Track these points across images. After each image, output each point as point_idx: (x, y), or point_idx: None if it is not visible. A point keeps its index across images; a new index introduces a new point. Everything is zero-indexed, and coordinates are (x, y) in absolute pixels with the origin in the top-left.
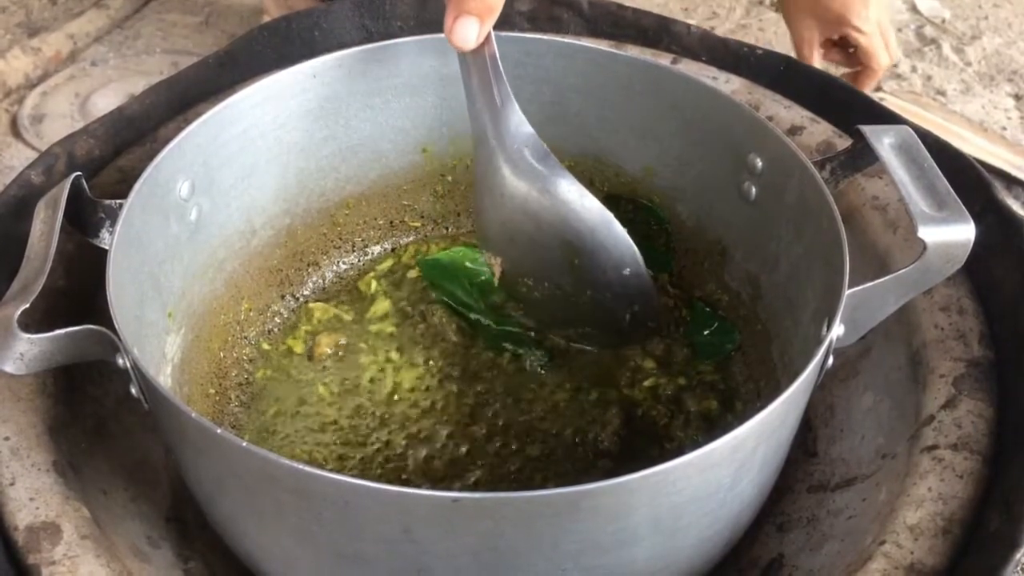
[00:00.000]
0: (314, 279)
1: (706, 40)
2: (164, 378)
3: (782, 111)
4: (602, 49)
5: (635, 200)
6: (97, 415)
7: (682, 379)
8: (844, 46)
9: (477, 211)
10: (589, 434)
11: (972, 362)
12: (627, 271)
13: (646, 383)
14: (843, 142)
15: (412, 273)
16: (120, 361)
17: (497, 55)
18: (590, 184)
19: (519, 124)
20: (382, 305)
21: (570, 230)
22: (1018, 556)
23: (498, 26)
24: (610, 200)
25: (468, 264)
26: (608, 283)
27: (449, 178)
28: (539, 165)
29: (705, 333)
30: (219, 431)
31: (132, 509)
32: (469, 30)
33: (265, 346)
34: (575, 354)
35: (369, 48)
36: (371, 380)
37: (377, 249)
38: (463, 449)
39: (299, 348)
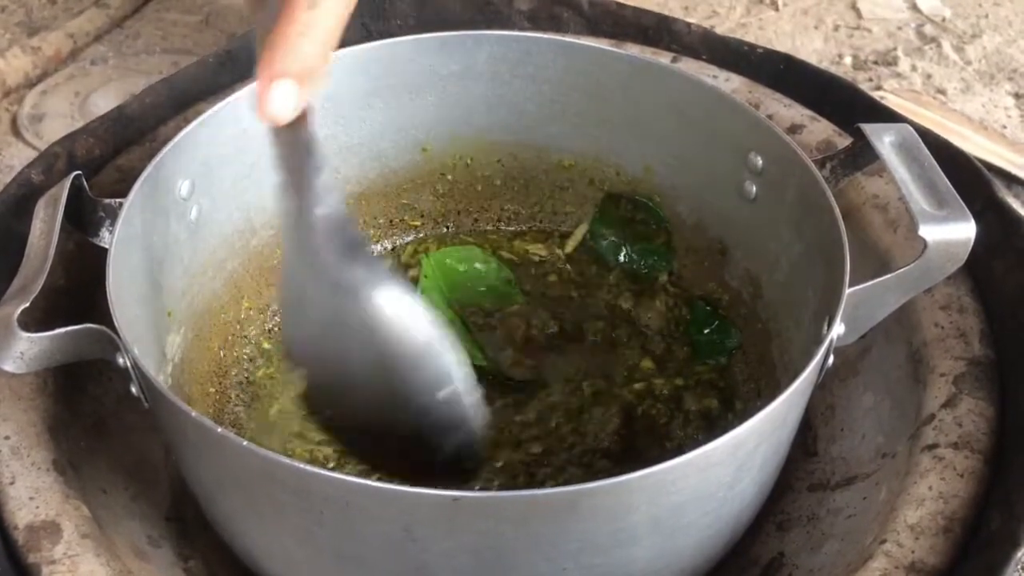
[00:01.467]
0: None
1: (706, 39)
2: (164, 377)
3: (782, 110)
4: (602, 48)
5: (635, 199)
6: (97, 414)
7: (681, 379)
8: None
9: (282, 306)
10: (589, 433)
11: (973, 361)
12: (442, 394)
13: (645, 383)
14: (843, 141)
15: (412, 272)
16: (120, 360)
17: (315, 133)
18: (590, 183)
19: (329, 214)
20: None
21: (380, 341)
22: (1019, 555)
23: (498, 25)
24: (610, 199)
25: (478, 266)
26: (425, 407)
27: (449, 177)
28: (346, 260)
29: (705, 332)
30: (219, 430)
31: (132, 508)
32: (287, 98)
33: (266, 345)
34: (572, 353)
35: (368, 47)
36: None
37: (377, 248)
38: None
39: None
